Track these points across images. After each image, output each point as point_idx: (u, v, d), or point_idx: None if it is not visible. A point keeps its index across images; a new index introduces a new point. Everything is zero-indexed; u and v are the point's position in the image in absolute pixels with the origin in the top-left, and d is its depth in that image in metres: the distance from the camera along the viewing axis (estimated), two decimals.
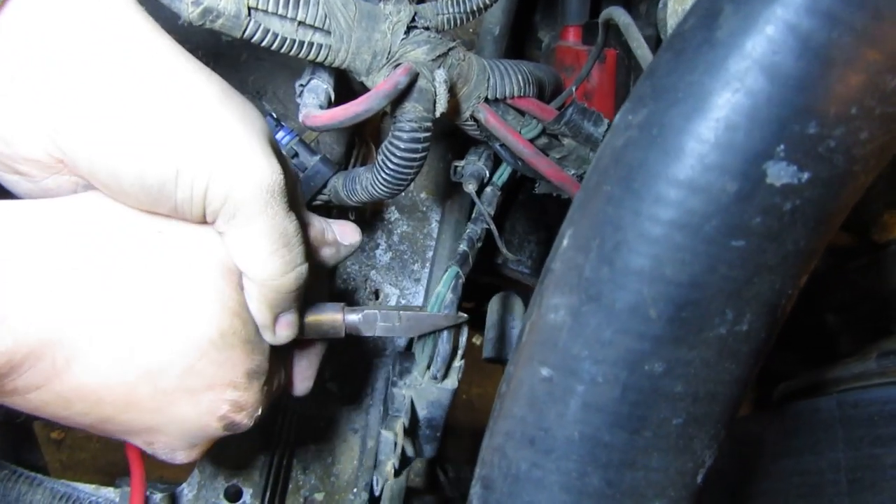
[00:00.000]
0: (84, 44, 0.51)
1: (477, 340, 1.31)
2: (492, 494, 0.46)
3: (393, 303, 0.98)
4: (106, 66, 0.52)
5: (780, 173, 0.38)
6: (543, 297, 0.45)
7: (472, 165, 0.83)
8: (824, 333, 0.95)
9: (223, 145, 0.54)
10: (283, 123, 0.75)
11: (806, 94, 0.37)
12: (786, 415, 0.73)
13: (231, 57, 0.85)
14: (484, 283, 1.17)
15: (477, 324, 1.22)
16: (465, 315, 0.72)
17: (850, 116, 0.38)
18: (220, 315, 0.55)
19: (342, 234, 0.67)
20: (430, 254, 0.99)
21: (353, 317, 0.68)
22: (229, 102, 0.56)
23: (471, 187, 0.81)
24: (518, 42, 1.10)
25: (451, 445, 0.74)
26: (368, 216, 0.96)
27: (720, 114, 0.38)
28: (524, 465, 0.44)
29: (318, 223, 0.66)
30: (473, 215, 0.81)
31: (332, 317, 0.67)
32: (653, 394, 0.42)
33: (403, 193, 0.98)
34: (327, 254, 0.67)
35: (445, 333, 0.73)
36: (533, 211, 1.15)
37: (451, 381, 0.76)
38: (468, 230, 0.79)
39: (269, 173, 0.55)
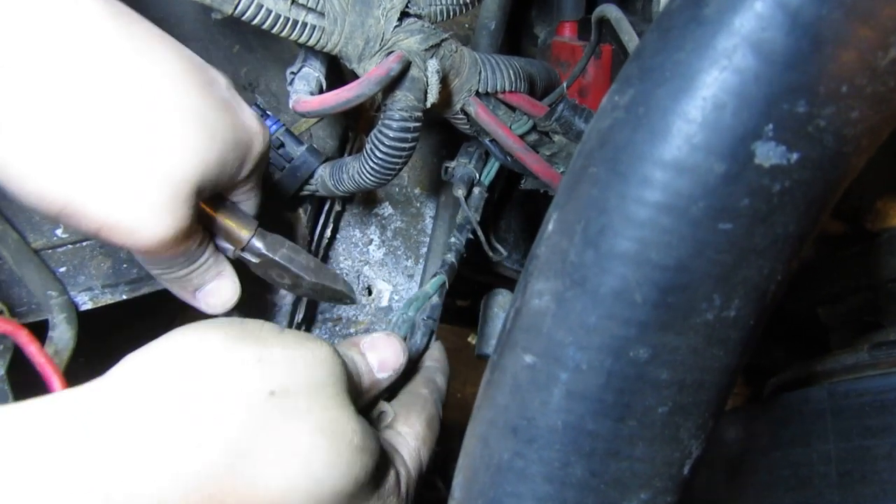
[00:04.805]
0: (28, 40, 0.48)
1: (472, 339, 1.30)
2: (473, 485, 0.45)
3: (385, 299, 0.97)
4: (47, 68, 0.49)
5: (768, 154, 0.37)
6: (528, 283, 0.44)
7: (462, 168, 0.82)
8: (816, 328, 0.94)
9: (122, 194, 0.51)
10: (268, 113, 0.74)
11: (795, 71, 0.36)
12: (775, 406, 0.71)
13: (223, 48, 0.85)
14: (479, 281, 1.16)
15: (472, 322, 1.21)
16: (355, 300, 0.72)
17: (841, 95, 0.37)
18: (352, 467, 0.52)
19: (382, 363, 0.63)
20: (424, 250, 0.98)
21: (259, 242, 0.67)
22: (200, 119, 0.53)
23: (460, 192, 0.80)
24: (514, 37, 1.10)
25: (446, 444, 0.73)
26: (360, 210, 0.95)
27: (708, 93, 0.37)
28: (506, 454, 0.43)
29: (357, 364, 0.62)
30: (459, 220, 0.80)
31: (240, 231, 0.66)
32: (638, 381, 0.40)
33: (397, 189, 0.98)
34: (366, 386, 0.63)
35: (422, 328, 0.73)
36: (529, 209, 1.14)
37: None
38: (453, 240, 0.78)
39: (161, 233, 0.53)
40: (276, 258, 0.68)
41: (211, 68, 0.60)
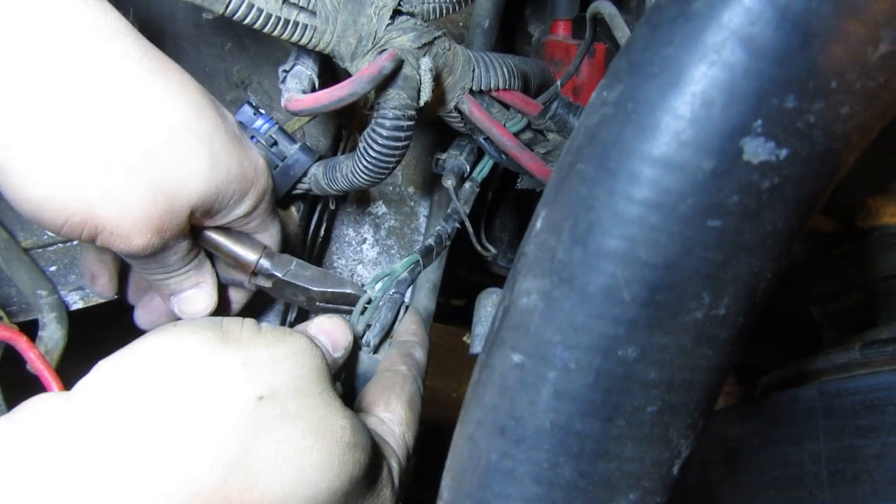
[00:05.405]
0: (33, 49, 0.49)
1: (467, 339, 1.29)
2: (461, 486, 0.44)
3: None
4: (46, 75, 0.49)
5: (757, 150, 0.37)
6: (516, 282, 0.44)
7: (453, 160, 0.82)
8: (808, 327, 0.93)
9: (112, 209, 0.52)
10: (261, 111, 0.74)
11: (784, 66, 0.36)
12: (767, 405, 0.71)
13: (215, 46, 0.84)
14: (474, 280, 1.16)
15: (467, 322, 1.21)
16: (367, 293, 0.72)
17: (831, 90, 0.36)
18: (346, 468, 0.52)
19: (335, 343, 0.64)
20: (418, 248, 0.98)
21: (266, 262, 0.68)
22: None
23: (449, 182, 0.80)
24: (508, 36, 1.09)
25: (440, 444, 0.73)
26: (354, 209, 0.95)
27: (696, 88, 0.37)
28: (494, 455, 0.43)
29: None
30: (448, 211, 0.80)
31: (247, 255, 0.67)
32: (626, 380, 0.40)
33: (391, 188, 0.97)
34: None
35: (387, 303, 0.72)
36: (525, 209, 1.14)
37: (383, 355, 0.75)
38: (438, 227, 0.78)
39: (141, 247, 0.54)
40: (285, 277, 0.68)
41: (221, 106, 0.62)
